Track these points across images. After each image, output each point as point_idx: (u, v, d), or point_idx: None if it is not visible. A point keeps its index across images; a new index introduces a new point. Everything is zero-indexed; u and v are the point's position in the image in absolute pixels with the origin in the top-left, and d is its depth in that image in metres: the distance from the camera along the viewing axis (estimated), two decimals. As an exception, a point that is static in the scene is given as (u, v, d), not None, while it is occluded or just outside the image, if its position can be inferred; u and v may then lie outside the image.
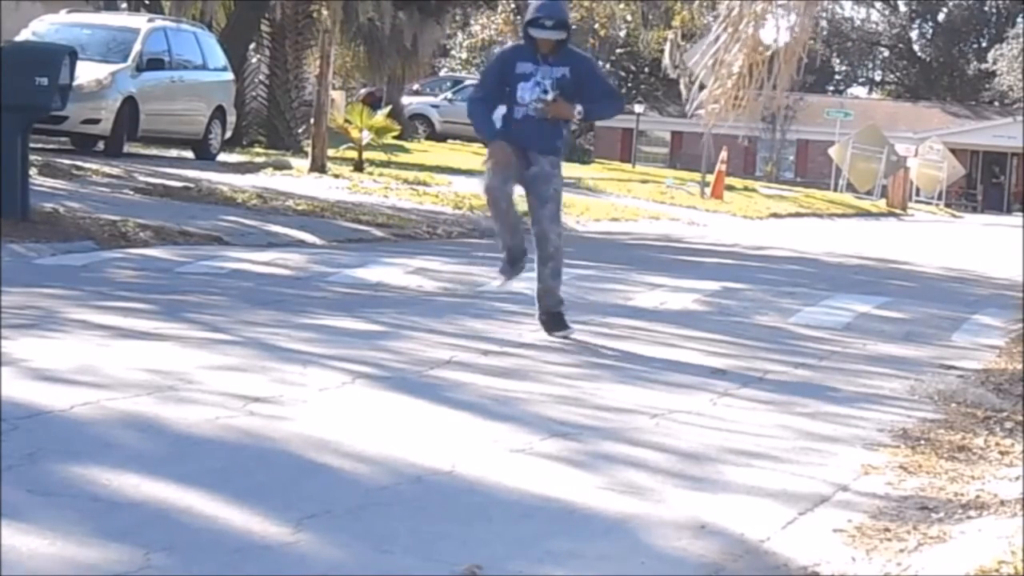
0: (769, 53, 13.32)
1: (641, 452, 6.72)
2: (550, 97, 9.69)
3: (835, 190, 50.27)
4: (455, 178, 26.82)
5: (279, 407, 7.04)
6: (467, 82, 55.25)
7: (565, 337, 9.89)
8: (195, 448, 6.21)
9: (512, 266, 10.11)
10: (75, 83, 14.74)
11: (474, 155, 35.11)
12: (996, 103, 72.35)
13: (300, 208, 18.49)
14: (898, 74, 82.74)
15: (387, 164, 28.35)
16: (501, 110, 9.86)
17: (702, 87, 13.86)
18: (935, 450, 7.19)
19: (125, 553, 4.74)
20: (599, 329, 10.65)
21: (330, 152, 26.22)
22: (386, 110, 30.92)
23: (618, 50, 67.93)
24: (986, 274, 19.30)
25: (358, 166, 26.63)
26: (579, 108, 9.77)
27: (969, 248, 27.16)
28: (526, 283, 10.84)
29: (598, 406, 7.71)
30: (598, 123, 69.37)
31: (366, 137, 27.40)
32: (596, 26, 55.47)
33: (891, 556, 5.38)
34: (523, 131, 9.72)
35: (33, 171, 16.08)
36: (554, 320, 9.94)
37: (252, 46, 35.29)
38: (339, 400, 7.39)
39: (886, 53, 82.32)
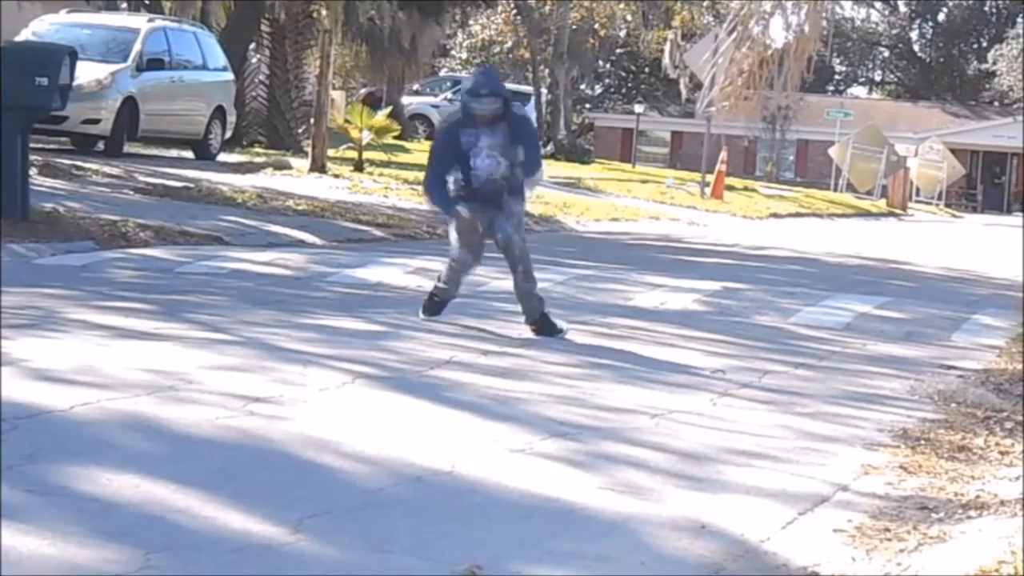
0: (780, 52, 13.35)
1: (641, 452, 6.72)
2: (501, 172, 10.07)
3: (835, 190, 50.24)
4: (455, 178, 26.78)
5: (279, 407, 7.04)
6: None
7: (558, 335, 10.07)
8: (195, 448, 6.21)
9: (438, 309, 10.39)
10: (75, 83, 14.73)
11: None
12: (996, 103, 72.35)
13: (300, 208, 18.49)
14: (898, 74, 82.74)
15: (387, 164, 28.33)
16: (454, 174, 10.25)
17: (712, 86, 13.95)
18: (935, 450, 7.19)
19: (125, 553, 4.74)
20: (599, 329, 10.65)
21: (330, 152, 26.21)
22: (386, 110, 30.91)
23: (618, 50, 67.94)
24: (986, 274, 19.29)
25: (358, 166, 26.62)
26: (529, 187, 10.37)
27: (969, 248, 27.15)
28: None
29: (598, 406, 7.71)
30: (598, 123, 69.59)
31: (366, 137, 27.39)
32: (596, 26, 55.51)
33: (891, 556, 5.38)
34: (486, 200, 10.12)
35: (33, 171, 16.08)
36: (543, 326, 10.15)
37: (252, 46, 35.28)
38: (339, 400, 7.39)
39: (886, 53, 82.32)
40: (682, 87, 47.82)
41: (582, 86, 71.05)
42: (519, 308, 10.53)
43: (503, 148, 10.06)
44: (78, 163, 20.15)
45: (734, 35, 13.29)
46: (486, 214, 10.17)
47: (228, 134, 26.53)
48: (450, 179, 10.19)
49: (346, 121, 28.22)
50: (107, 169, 19.97)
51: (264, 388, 7.43)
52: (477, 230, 10.22)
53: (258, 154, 29.22)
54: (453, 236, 10.41)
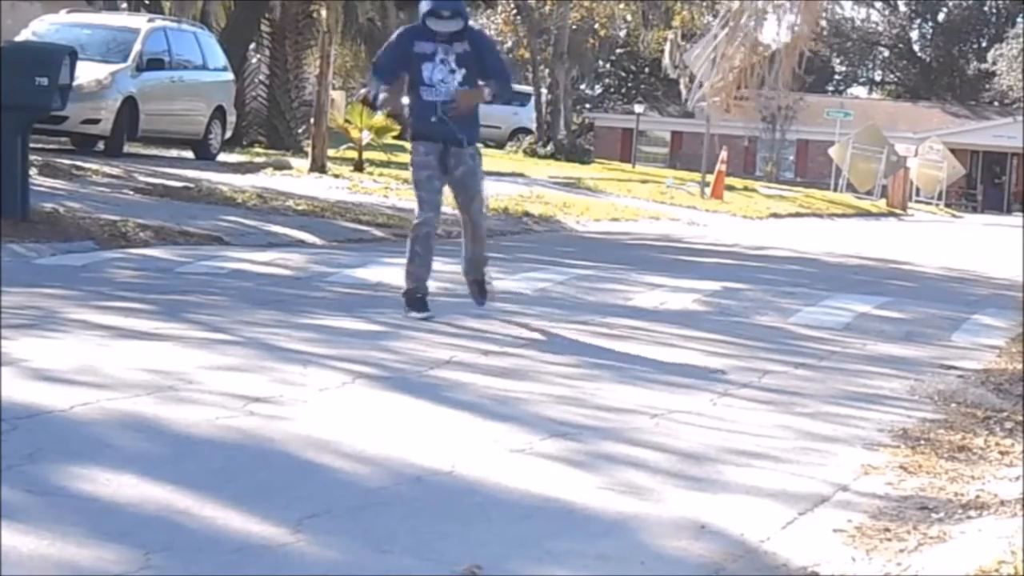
0: (770, 51, 13.38)
1: (641, 452, 6.71)
2: (456, 83, 9.95)
3: (835, 190, 50.25)
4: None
5: (279, 407, 7.04)
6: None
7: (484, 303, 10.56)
8: (195, 448, 6.21)
9: (423, 304, 10.35)
10: (75, 83, 14.73)
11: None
12: (996, 103, 72.37)
13: (300, 208, 18.49)
14: (898, 74, 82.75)
15: (387, 164, 28.33)
16: (405, 100, 10.22)
17: (703, 83, 13.98)
18: (935, 450, 7.18)
19: (125, 553, 4.74)
20: (599, 329, 10.65)
21: (330, 152, 26.22)
22: (386, 109, 30.86)
23: (618, 50, 67.93)
24: (986, 274, 19.29)
25: (358, 166, 26.63)
26: (488, 91, 10.07)
27: (969, 248, 27.15)
28: (525, 283, 10.85)
29: (598, 406, 7.71)
30: (598, 123, 69.58)
31: (366, 137, 27.39)
32: (596, 26, 55.50)
33: (891, 556, 5.38)
34: (444, 140, 10.07)
35: (33, 171, 16.08)
36: (481, 288, 10.63)
37: (252, 46, 35.29)
38: (339, 400, 7.39)
39: (886, 53, 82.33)
40: (682, 87, 47.81)
41: (582, 86, 71.06)
42: (519, 308, 10.58)
43: (459, 59, 9.97)
44: (78, 163, 20.15)
45: (726, 30, 13.31)
46: (443, 166, 10.08)
47: (228, 134, 26.55)
48: (403, 99, 10.10)
49: (346, 121, 28.22)
50: (107, 169, 19.97)
51: (264, 388, 7.43)
52: (438, 183, 10.12)
53: (258, 154, 29.23)
54: (417, 194, 10.29)
